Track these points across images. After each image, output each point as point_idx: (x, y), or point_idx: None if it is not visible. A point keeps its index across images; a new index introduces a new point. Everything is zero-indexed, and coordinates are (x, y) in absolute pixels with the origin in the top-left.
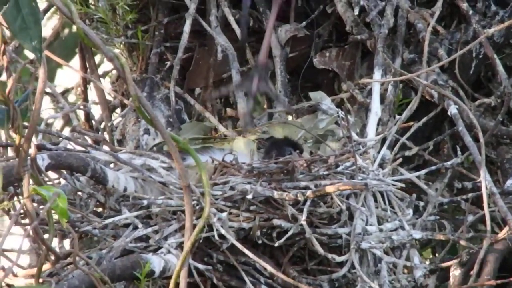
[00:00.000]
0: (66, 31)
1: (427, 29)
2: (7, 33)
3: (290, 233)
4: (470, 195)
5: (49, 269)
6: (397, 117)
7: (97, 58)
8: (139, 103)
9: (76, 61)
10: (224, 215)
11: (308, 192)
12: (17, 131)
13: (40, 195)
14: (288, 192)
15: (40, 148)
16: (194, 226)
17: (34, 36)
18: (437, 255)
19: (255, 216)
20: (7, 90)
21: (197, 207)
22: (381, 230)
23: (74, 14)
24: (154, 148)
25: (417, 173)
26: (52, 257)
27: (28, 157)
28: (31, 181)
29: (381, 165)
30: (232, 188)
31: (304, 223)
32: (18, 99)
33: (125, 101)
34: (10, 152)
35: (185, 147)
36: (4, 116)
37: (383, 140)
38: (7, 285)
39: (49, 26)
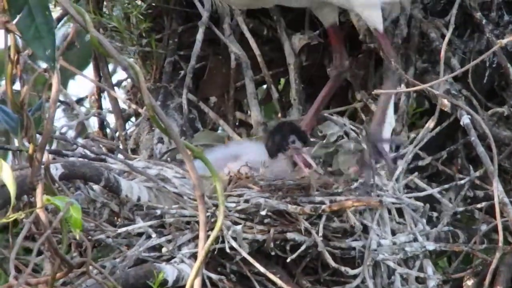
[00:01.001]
0: (79, 39)
1: (440, 39)
2: (20, 41)
3: (303, 247)
4: (483, 204)
5: (63, 278)
6: (412, 135)
7: (111, 67)
8: (154, 112)
9: (89, 70)
10: (239, 228)
11: (324, 207)
12: (31, 140)
13: (54, 205)
14: (303, 207)
15: (55, 153)
16: (208, 236)
17: (48, 45)
18: (452, 263)
19: (269, 229)
20: (20, 99)
21: (212, 220)
22: (394, 243)
23: (88, 23)
24: (166, 156)
25: (433, 190)
26: (65, 267)
27: (42, 166)
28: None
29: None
30: (246, 201)
31: (318, 237)
32: (31, 107)
33: (139, 110)
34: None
35: (199, 156)
36: (18, 124)
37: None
38: None
39: (62, 34)
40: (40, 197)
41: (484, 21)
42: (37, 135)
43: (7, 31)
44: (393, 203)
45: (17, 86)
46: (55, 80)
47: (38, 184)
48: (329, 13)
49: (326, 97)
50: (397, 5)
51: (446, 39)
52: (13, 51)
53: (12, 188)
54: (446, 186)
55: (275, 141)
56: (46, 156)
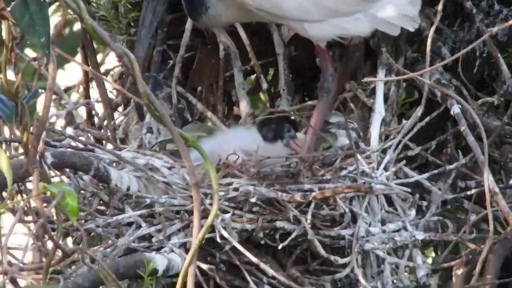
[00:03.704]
0: (67, 29)
1: (430, 28)
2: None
3: (293, 235)
4: (473, 193)
5: (54, 266)
6: (403, 122)
7: (99, 57)
8: (148, 101)
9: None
10: (227, 216)
11: (314, 194)
12: (25, 128)
13: (50, 192)
14: (293, 195)
15: (44, 144)
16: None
17: (42, 33)
18: (439, 253)
19: (258, 218)
20: (15, 86)
21: (201, 207)
22: (384, 232)
23: (83, 10)
24: (156, 146)
25: (421, 176)
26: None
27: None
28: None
29: (384, 166)
30: (235, 189)
31: (307, 225)
32: (26, 95)
33: (132, 97)
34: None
35: (194, 145)
36: (12, 112)
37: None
38: (11, 281)
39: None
40: (36, 185)
41: (474, 11)
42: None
43: (2, 18)
44: (382, 190)
45: (9, 75)
46: (51, 67)
47: (34, 172)
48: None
49: (320, 116)
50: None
51: (434, 26)
52: (8, 38)
53: (8, 175)
54: (435, 171)
55: (271, 129)
56: (41, 144)
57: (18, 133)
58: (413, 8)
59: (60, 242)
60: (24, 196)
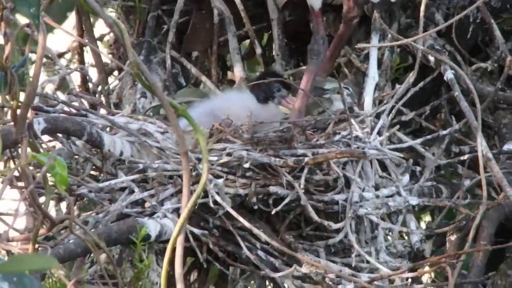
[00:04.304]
0: None
1: None
2: None
3: (286, 200)
4: (466, 158)
5: (46, 233)
6: (397, 86)
7: (93, 20)
8: (138, 69)
9: (70, 22)
10: (220, 181)
11: (307, 159)
12: (14, 97)
13: (39, 161)
14: (286, 159)
15: (36, 110)
16: (191, 192)
17: (32, 3)
18: (435, 217)
19: (251, 183)
20: (4, 56)
21: (194, 173)
22: (377, 197)
23: None
24: (150, 111)
25: (415, 141)
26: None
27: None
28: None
29: (378, 131)
30: (228, 154)
31: (300, 190)
32: (15, 64)
33: (122, 66)
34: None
35: (183, 114)
36: (1, 81)
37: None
38: (4, 250)
39: None
40: (24, 153)
41: None
42: (20, 92)
43: None
44: (376, 155)
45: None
46: (41, 37)
47: (22, 140)
48: None
49: (310, 78)
50: None
51: None
52: None
53: None
54: (428, 137)
55: (262, 90)
56: (30, 113)
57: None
58: None
59: (54, 207)
60: (17, 161)
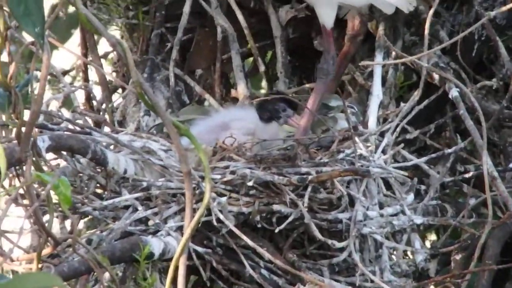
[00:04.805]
0: (64, 10)
1: (428, 11)
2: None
3: (290, 219)
4: (472, 176)
5: (50, 252)
6: (401, 104)
7: (97, 37)
8: (141, 89)
9: (74, 39)
10: (223, 199)
11: (311, 177)
12: (19, 116)
13: (43, 181)
14: (290, 178)
15: (41, 128)
16: (194, 210)
17: (37, 22)
18: (440, 236)
19: (254, 201)
20: (9, 75)
21: (197, 191)
22: (382, 215)
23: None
24: (154, 129)
25: (420, 160)
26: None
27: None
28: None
29: (382, 149)
30: (232, 172)
31: (304, 209)
32: (19, 83)
33: (126, 86)
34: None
35: (186, 134)
36: (5, 100)
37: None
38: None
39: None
40: (28, 172)
41: None
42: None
43: None
44: (380, 174)
45: (3, 57)
46: (45, 57)
47: (27, 160)
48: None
49: (317, 98)
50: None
51: (432, 10)
52: (2, 27)
53: (2, 163)
54: (433, 155)
55: (267, 110)
56: (34, 132)
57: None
58: None
59: (59, 224)
60: (22, 179)
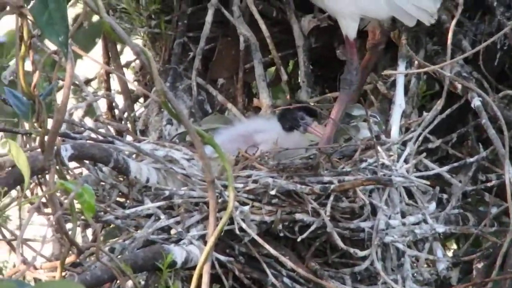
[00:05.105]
0: (88, 20)
1: (451, 21)
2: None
3: (312, 227)
4: (494, 186)
5: (73, 260)
6: (424, 114)
7: (119, 47)
8: (165, 98)
9: (97, 49)
10: (246, 208)
11: (333, 186)
12: (42, 125)
13: (67, 189)
14: (312, 187)
15: (63, 136)
16: (217, 219)
17: (61, 31)
18: (460, 245)
19: (277, 210)
20: (32, 84)
21: (219, 200)
22: (404, 224)
23: (100, 8)
24: (176, 138)
25: (442, 169)
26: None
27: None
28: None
29: (405, 158)
30: (254, 181)
31: (326, 218)
32: (42, 92)
33: (149, 94)
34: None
35: (210, 142)
36: (28, 109)
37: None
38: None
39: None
40: (52, 181)
41: (495, 3)
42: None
43: (21, 16)
44: (402, 183)
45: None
46: (69, 66)
47: (50, 168)
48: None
49: (340, 108)
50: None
51: (455, 19)
52: (26, 36)
53: (26, 172)
54: (455, 164)
55: (287, 119)
56: (57, 141)
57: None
58: (433, 4)
59: (80, 233)
60: (44, 188)
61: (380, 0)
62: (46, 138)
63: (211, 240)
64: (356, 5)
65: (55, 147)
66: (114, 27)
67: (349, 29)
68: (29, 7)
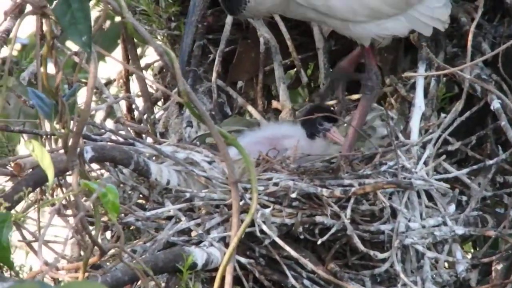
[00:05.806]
0: (108, 22)
1: (470, 23)
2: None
3: (332, 230)
4: None
5: (95, 261)
6: (442, 116)
7: (139, 50)
8: (188, 99)
9: (116, 53)
10: (267, 211)
11: (354, 189)
12: (65, 126)
13: (91, 190)
14: (332, 190)
15: (84, 138)
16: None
17: (84, 32)
18: (477, 248)
19: (297, 213)
20: (55, 84)
21: (241, 202)
22: (423, 227)
23: (123, 8)
24: (196, 140)
25: (461, 172)
26: (97, 250)
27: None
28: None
29: (424, 161)
30: (275, 184)
31: (346, 221)
32: (65, 93)
33: (171, 94)
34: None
35: (233, 143)
36: (52, 110)
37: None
38: (52, 278)
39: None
40: (75, 181)
41: None
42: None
43: (44, 16)
44: (422, 186)
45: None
46: (92, 66)
47: (73, 169)
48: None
49: (362, 114)
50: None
51: (475, 22)
52: (49, 36)
53: (51, 173)
54: (475, 167)
55: (306, 125)
56: (81, 142)
57: (58, 128)
58: (446, 11)
59: (99, 236)
60: (64, 189)
61: (401, 18)
62: (69, 139)
63: (234, 241)
64: (379, 27)
65: (78, 148)
66: (137, 27)
67: (363, 40)
68: (51, 7)
